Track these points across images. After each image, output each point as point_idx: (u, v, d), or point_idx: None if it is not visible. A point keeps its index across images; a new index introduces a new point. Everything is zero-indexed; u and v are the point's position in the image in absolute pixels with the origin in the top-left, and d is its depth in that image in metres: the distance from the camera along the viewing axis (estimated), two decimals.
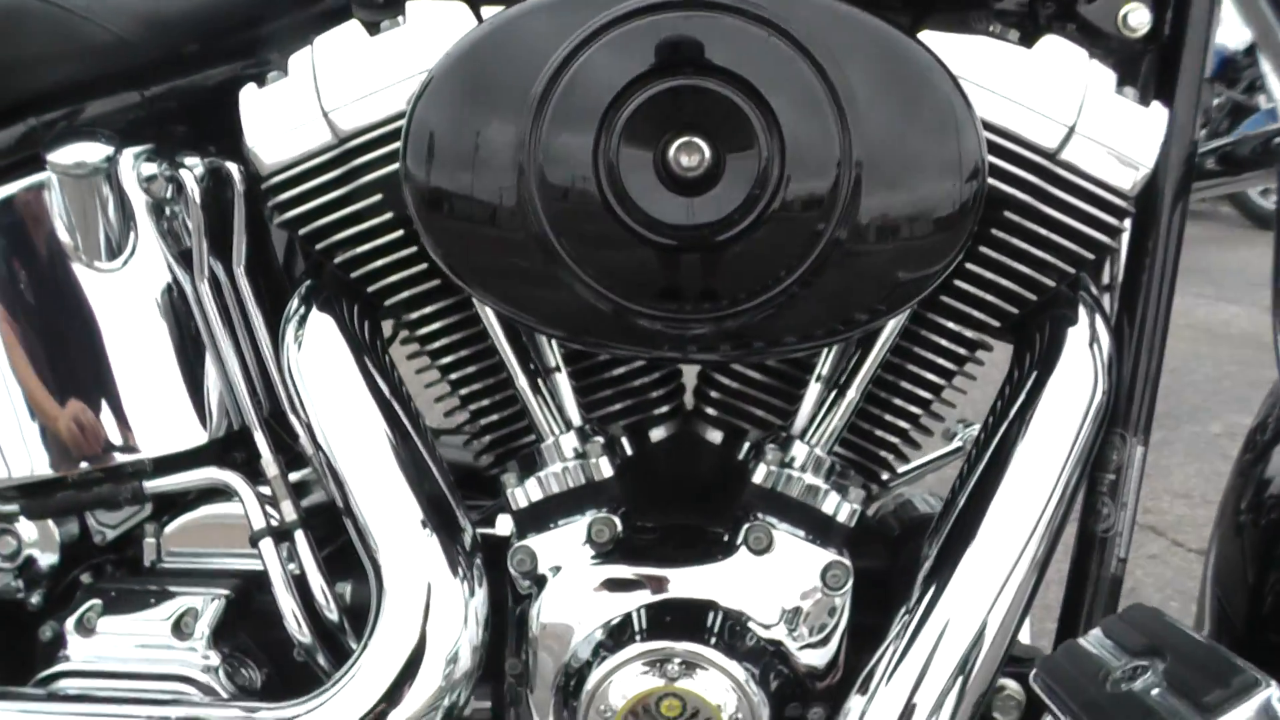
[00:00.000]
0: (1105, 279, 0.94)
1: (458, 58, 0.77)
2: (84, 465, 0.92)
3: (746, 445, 0.95)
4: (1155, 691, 0.70)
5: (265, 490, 0.92)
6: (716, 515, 0.91)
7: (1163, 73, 0.90)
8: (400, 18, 0.87)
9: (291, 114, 0.87)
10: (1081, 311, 0.87)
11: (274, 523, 0.91)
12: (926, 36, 0.82)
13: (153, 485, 0.94)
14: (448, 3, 0.86)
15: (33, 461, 0.92)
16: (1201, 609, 1.06)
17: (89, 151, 0.88)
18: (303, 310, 0.90)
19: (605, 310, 0.76)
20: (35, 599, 0.98)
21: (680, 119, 0.73)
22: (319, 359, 0.88)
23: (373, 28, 0.88)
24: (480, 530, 0.92)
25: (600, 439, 0.88)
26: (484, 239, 0.77)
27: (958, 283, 0.86)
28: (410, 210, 0.79)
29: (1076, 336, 0.86)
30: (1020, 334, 0.91)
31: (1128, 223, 0.86)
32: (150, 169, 0.92)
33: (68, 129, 0.89)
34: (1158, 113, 0.84)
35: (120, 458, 0.92)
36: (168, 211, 0.93)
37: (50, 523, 0.98)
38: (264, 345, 0.95)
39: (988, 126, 0.81)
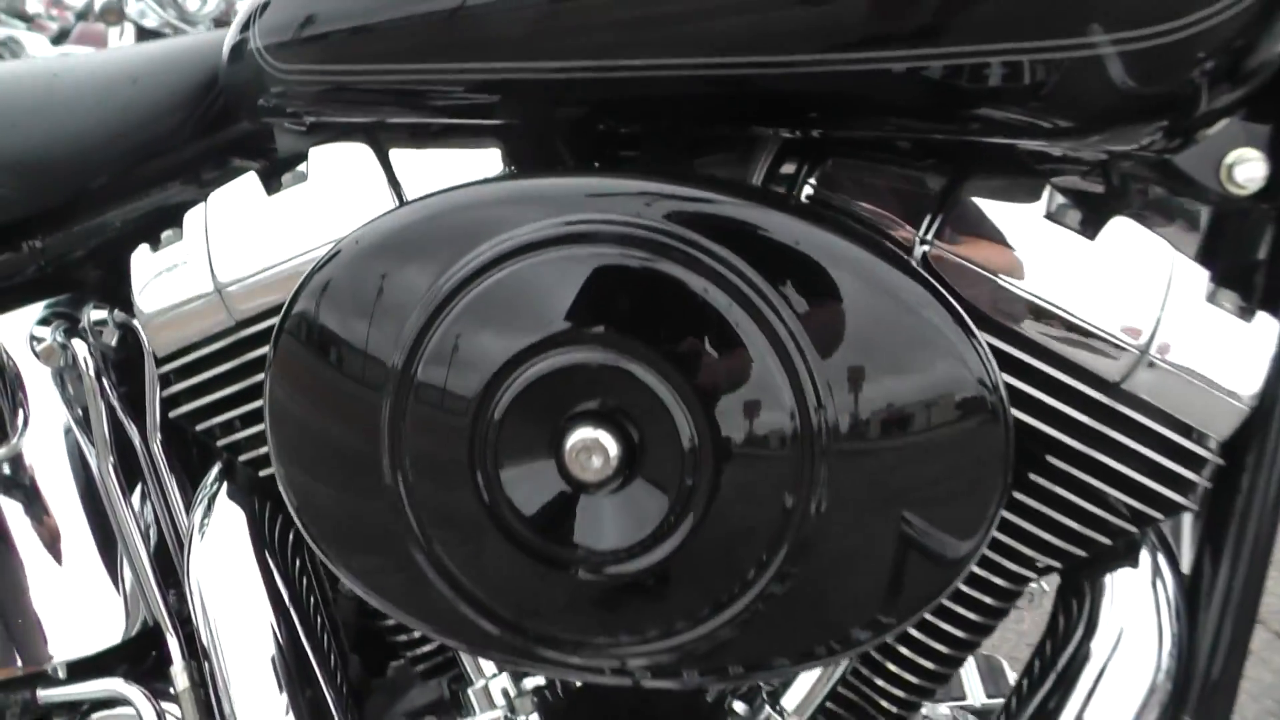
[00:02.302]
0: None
1: (329, 274, 0.62)
2: None
3: (712, 696, 0.78)
4: None
5: (173, 709, 0.81)
6: None
7: (1278, 247, 0.68)
8: (303, 166, 0.72)
9: (183, 288, 0.74)
10: (1144, 557, 0.68)
11: None
12: (960, 214, 0.63)
13: (47, 695, 0.84)
14: (354, 146, 0.71)
15: None
16: None
17: None
18: (212, 493, 0.78)
19: (498, 634, 0.61)
20: None
21: (581, 403, 0.56)
22: (216, 555, 0.76)
23: (273, 178, 0.73)
24: None
25: (531, 686, 0.74)
26: (342, 505, 0.62)
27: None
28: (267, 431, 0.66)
29: (1135, 593, 0.67)
30: (1065, 574, 0.72)
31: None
32: (43, 333, 0.80)
33: None
34: (1263, 330, 0.63)
35: (10, 667, 0.82)
36: (69, 379, 0.81)
37: None
38: (182, 526, 0.83)
39: (1030, 347, 0.62)
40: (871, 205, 0.66)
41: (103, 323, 0.82)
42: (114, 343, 0.82)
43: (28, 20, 4.86)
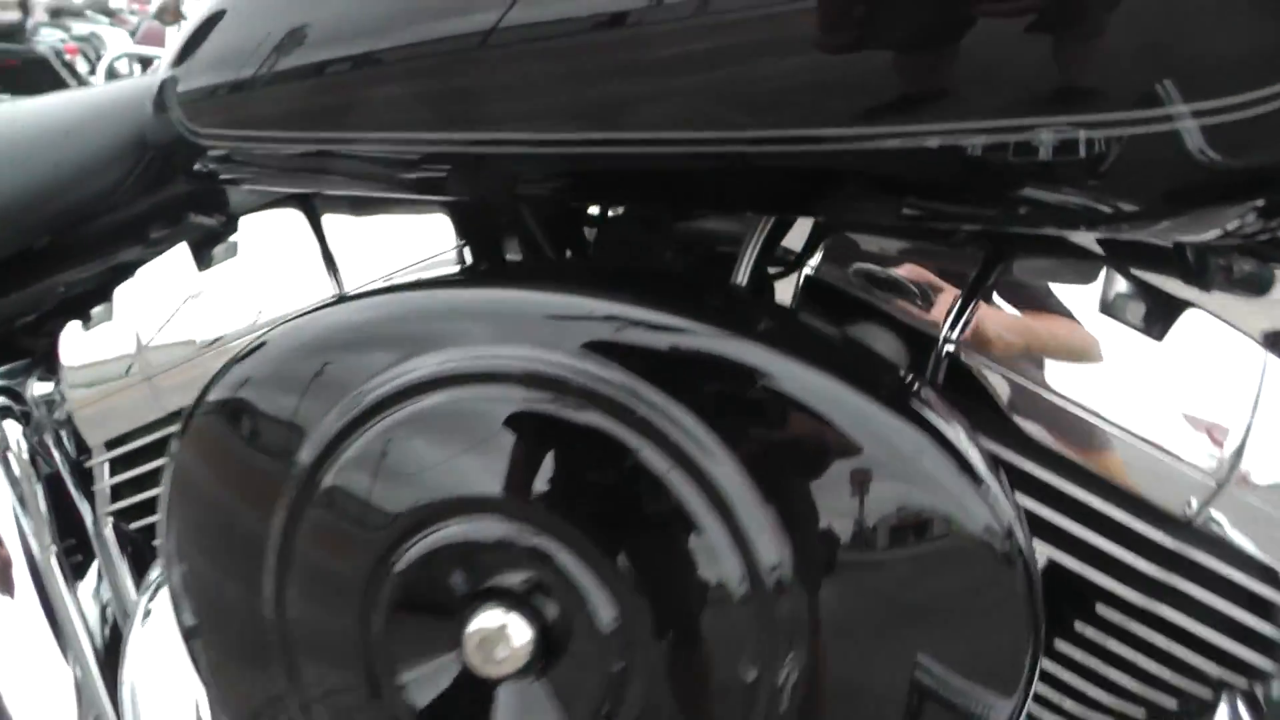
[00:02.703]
0: None
1: (214, 407, 0.51)
2: None
3: None
4: None
5: None
6: None
7: None
8: (234, 237, 0.64)
9: (114, 376, 0.66)
10: (1222, 713, 0.56)
11: None
12: (992, 311, 0.51)
13: None
14: (284, 214, 0.62)
15: None
16: None
17: None
18: (159, 581, 0.70)
19: None
20: None
21: (477, 580, 0.45)
22: (156, 654, 0.68)
23: (202, 252, 0.65)
24: None
25: None
26: (224, 650, 0.53)
27: None
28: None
29: None
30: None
31: None
32: None
33: None
34: None
35: None
36: (9, 459, 0.75)
37: None
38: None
39: (1075, 475, 0.50)
40: (885, 290, 0.54)
41: (49, 396, 0.75)
42: (63, 416, 0.75)
43: (110, 15, 4.95)
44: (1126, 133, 0.41)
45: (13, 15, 4.17)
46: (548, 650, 0.44)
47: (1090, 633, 0.53)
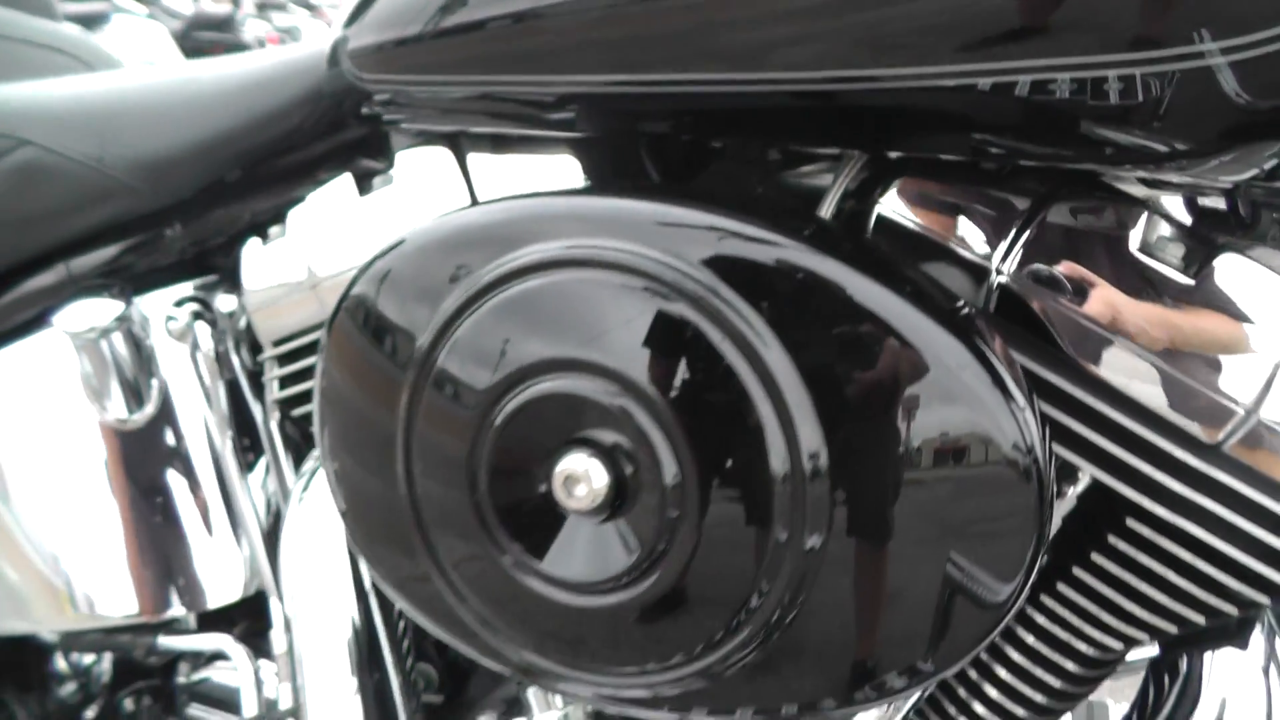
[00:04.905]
0: None
1: (353, 303, 0.61)
2: (98, 621, 0.91)
3: None
4: None
5: (271, 665, 0.86)
6: None
7: None
8: (392, 171, 0.74)
9: (286, 283, 0.78)
10: (1256, 638, 0.59)
11: (268, 710, 0.85)
12: (1037, 239, 0.57)
13: (166, 643, 0.91)
14: (435, 151, 0.72)
15: (52, 612, 0.91)
16: None
17: (98, 312, 0.83)
18: (315, 468, 0.81)
19: (517, 661, 0.60)
20: (90, 715, 1.00)
21: (567, 432, 0.54)
22: (308, 533, 0.79)
23: (365, 183, 0.76)
24: None
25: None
26: (374, 520, 0.63)
27: (1065, 590, 0.61)
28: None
29: (1242, 673, 0.59)
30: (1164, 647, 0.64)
31: None
32: (177, 314, 0.86)
33: (77, 288, 0.85)
34: None
35: (139, 615, 0.89)
36: (190, 357, 0.87)
37: None
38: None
39: (1111, 397, 0.55)
40: (944, 228, 0.60)
41: (230, 308, 0.87)
42: (243, 325, 0.87)
43: (310, 9, 5.28)
44: (1171, 68, 0.46)
45: (224, 7, 4.56)
46: (618, 495, 0.52)
47: (1122, 546, 0.58)
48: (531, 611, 0.56)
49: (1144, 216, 0.56)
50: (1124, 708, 0.69)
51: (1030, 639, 0.62)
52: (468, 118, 0.70)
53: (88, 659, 1.02)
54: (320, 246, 0.76)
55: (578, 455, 0.52)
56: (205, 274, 0.90)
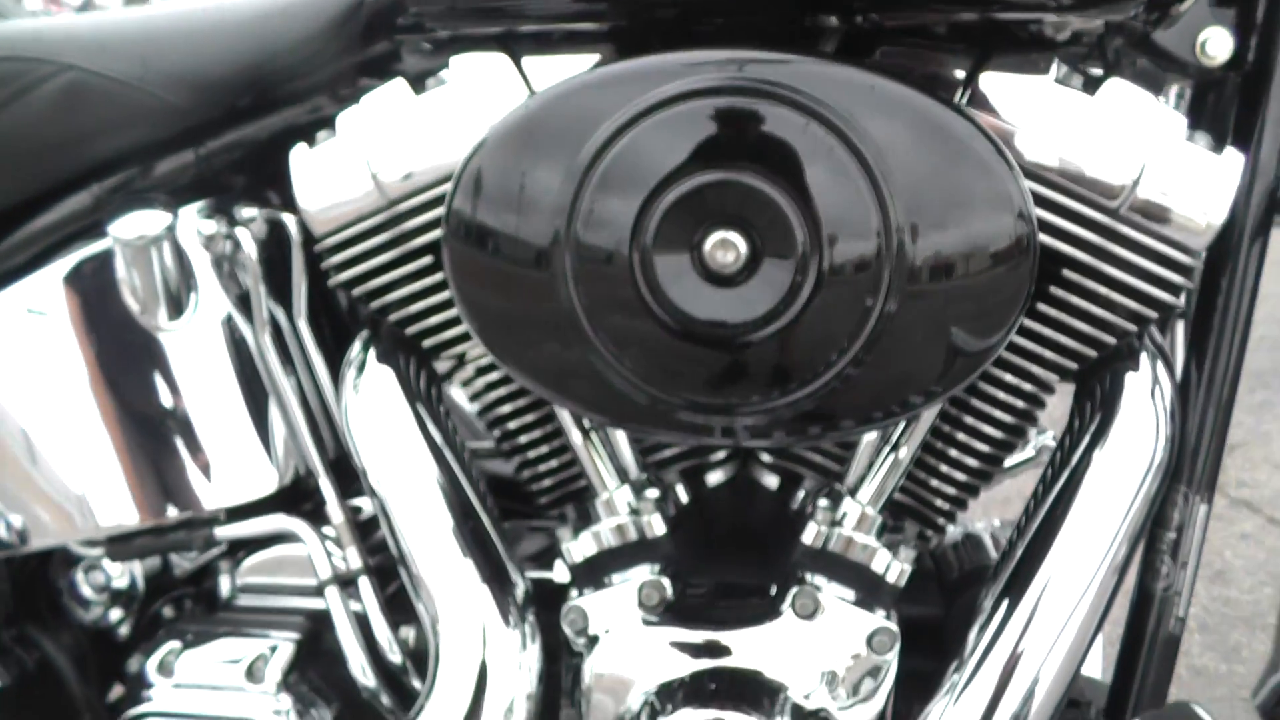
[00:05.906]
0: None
1: (503, 134, 0.77)
2: (159, 518, 0.96)
3: (801, 494, 0.95)
4: None
5: (331, 533, 0.95)
6: (770, 568, 0.92)
7: (1245, 103, 0.85)
8: (444, 73, 0.87)
9: (341, 177, 0.88)
10: (1144, 361, 0.84)
11: (339, 569, 0.94)
12: (987, 80, 0.79)
13: (223, 532, 0.98)
14: (490, 55, 0.86)
15: (111, 515, 0.96)
16: None
17: (149, 222, 0.90)
18: (361, 358, 0.91)
19: (644, 402, 0.77)
20: (124, 630, 1.04)
21: (716, 213, 0.72)
22: (375, 409, 0.89)
23: (418, 84, 0.88)
24: (538, 575, 0.94)
25: (654, 492, 0.89)
26: (519, 319, 0.77)
27: (1015, 339, 0.84)
28: (449, 277, 0.80)
29: (1137, 387, 0.83)
30: (1080, 381, 0.88)
31: (1196, 276, 0.83)
32: (209, 227, 0.94)
33: (127, 198, 0.92)
34: (1231, 161, 0.80)
35: (192, 510, 0.95)
36: (228, 266, 0.95)
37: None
38: (327, 391, 0.97)
39: (1046, 182, 0.79)
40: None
41: (252, 219, 0.96)
42: (262, 237, 0.96)
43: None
44: None
45: None
46: (753, 260, 0.71)
47: (1058, 292, 0.82)
48: (669, 361, 0.75)
49: (1054, 62, 0.81)
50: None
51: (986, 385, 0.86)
52: (504, 20, 0.84)
53: (117, 581, 1.04)
54: (378, 142, 0.87)
55: (725, 232, 0.71)
56: (215, 193, 0.98)
